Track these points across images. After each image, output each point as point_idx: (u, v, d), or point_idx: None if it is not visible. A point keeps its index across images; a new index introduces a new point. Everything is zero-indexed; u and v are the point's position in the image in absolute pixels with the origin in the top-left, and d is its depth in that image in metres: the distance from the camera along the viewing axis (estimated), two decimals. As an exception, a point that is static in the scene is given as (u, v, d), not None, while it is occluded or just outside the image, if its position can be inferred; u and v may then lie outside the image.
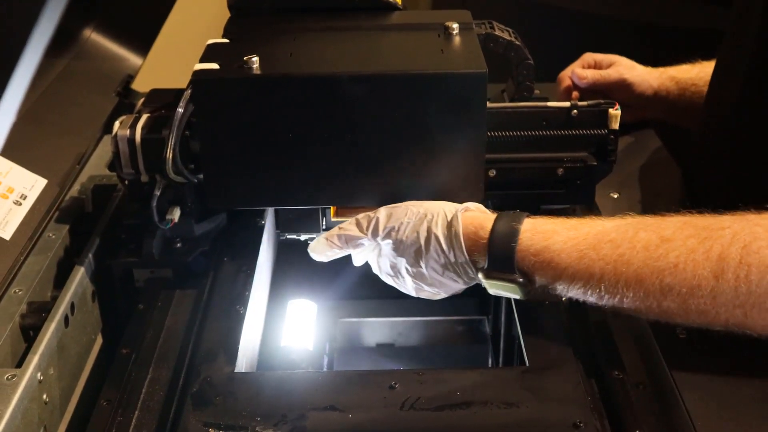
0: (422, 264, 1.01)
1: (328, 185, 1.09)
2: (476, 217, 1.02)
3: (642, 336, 1.02)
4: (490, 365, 1.38)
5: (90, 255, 1.16)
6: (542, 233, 0.98)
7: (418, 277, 1.03)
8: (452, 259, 1.00)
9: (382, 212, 1.05)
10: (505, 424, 0.90)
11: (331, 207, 1.17)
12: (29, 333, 1.05)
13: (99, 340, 1.18)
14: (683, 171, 1.40)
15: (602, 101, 1.17)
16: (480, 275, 1.00)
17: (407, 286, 1.05)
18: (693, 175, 1.36)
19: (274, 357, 1.21)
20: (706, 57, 1.43)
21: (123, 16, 1.60)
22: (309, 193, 1.10)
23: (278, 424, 0.90)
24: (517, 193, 1.19)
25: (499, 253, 0.98)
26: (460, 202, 1.07)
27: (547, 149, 1.17)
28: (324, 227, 1.19)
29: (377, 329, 1.41)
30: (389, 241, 1.03)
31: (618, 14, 2.06)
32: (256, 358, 1.17)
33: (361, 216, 1.06)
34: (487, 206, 1.12)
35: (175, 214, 1.15)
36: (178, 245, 1.17)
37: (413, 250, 1.01)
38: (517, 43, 1.21)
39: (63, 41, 1.51)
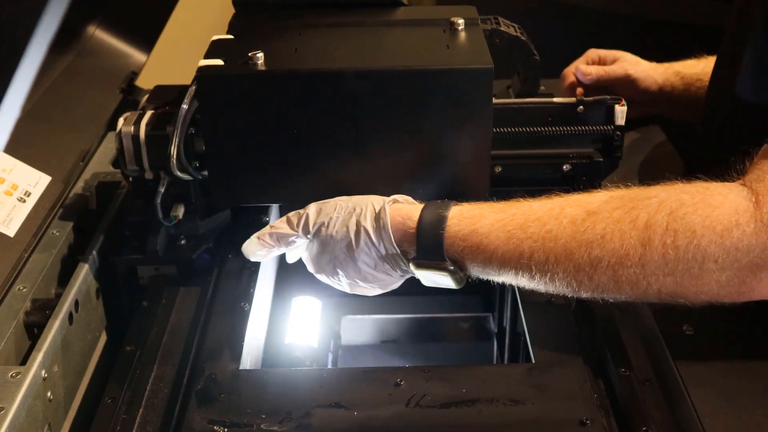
0: (354, 258, 1.00)
1: (333, 182, 1.08)
2: (404, 207, 1.01)
3: (648, 332, 1.02)
4: (495, 362, 1.38)
5: (94, 252, 1.16)
6: (469, 218, 0.97)
7: (351, 272, 1.02)
8: (383, 252, 1.00)
9: (312, 208, 1.04)
10: (511, 421, 0.90)
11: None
12: (33, 330, 1.05)
13: (103, 338, 1.18)
14: (686, 166, 1.39)
15: (608, 97, 1.16)
16: (411, 266, 0.99)
17: (342, 282, 1.04)
18: (695, 170, 1.35)
19: (279, 354, 1.21)
20: (710, 53, 1.43)
21: (127, 12, 1.59)
22: (314, 189, 1.09)
23: (283, 422, 0.89)
24: (522, 189, 1.18)
25: (427, 242, 0.97)
26: (467, 199, 1.06)
27: (552, 145, 1.16)
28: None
29: (381, 326, 1.40)
30: (320, 237, 1.02)
31: (622, 10, 2.05)
32: (261, 355, 1.16)
33: (291, 213, 1.05)
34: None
35: (180, 211, 1.14)
36: (183, 242, 1.17)
37: (344, 245, 1.00)
38: (522, 38, 1.21)
39: (67, 38, 1.50)
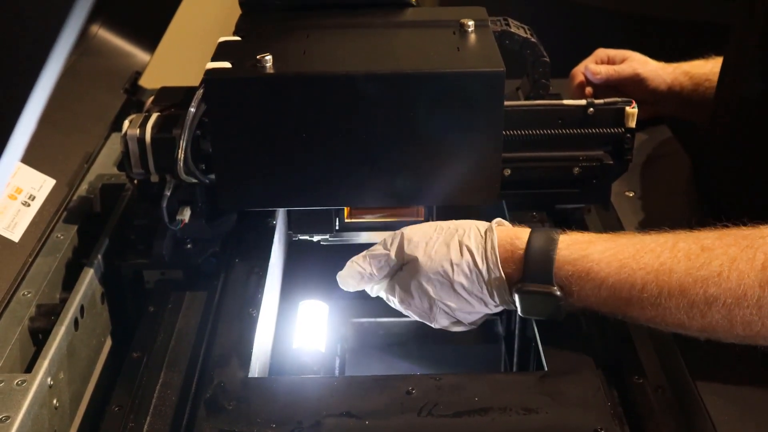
0: (451, 281, 0.96)
1: (342, 186, 1.07)
2: (510, 228, 0.98)
3: (661, 339, 1.01)
4: (503, 366, 1.37)
5: (99, 256, 1.14)
6: (580, 243, 0.94)
7: (444, 296, 0.97)
8: (485, 275, 0.95)
9: (407, 230, 1.00)
10: (524, 430, 0.89)
11: (345, 208, 1.16)
12: (38, 336, 1.03)
13: (108, 343, 1.16)
14: (694, 166, 1.38)
15: (619, 99, 1.15)
16: (514, 291, 0.95)
17: (432, 313, 1.00)
18: (703, 170, 1.35)
19: (286, 359, 1.20)
20: (718, 52, 1.42)
21: (130, 11, 1.58)
22: (322, 193, 1.08)
23: (294, 431, 0.88)
24: (532, 192, 1.17)
25: (536, 263, 0.93)
26: (476, 202, 1.05)
27: (562, 148, 1.15)
28: (337, 228, 1.18)
29: (389, 329, 1.39)
30: (415, 257, 0.98)
31: (630, 9, 2.04)
32: (268, 361, 1.15)
33: (386, 236, 1.02)
34: (501, 206, 1.10)
35: (186, 215, 1.13)
36: (189, 246, 1.16)
37: (441, 266, 0.96)
38: (533, 40, 1.20)
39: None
